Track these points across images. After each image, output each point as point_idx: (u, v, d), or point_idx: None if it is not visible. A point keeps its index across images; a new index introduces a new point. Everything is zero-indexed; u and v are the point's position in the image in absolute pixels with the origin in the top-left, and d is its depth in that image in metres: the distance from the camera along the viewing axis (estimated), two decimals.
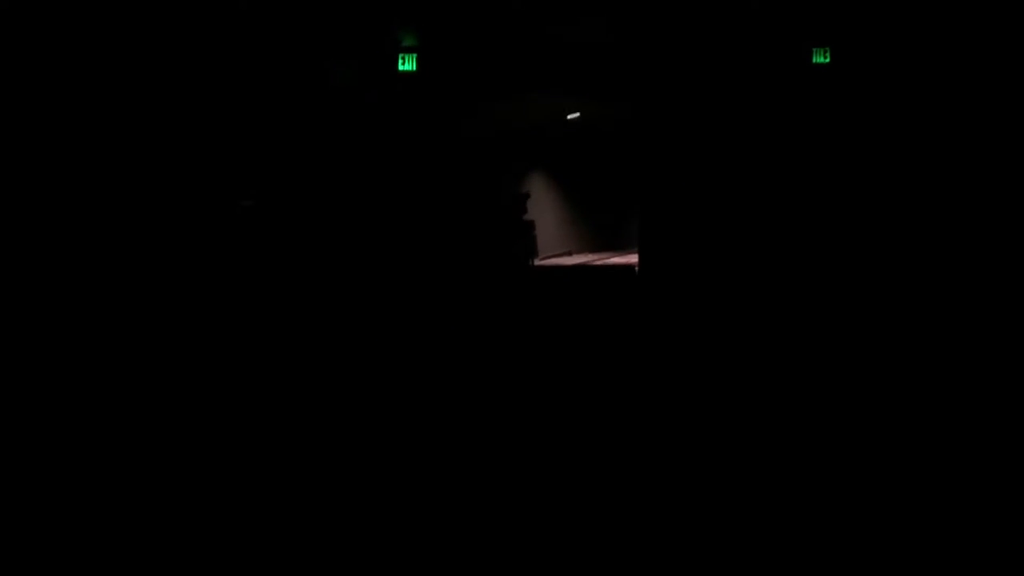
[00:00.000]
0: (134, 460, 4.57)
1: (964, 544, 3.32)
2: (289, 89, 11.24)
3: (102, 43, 9.95)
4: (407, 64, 11.32)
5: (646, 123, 12.15)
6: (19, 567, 3.19)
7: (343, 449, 4.82)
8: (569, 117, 17.77)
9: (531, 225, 17.55)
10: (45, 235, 9.20)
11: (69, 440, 4.99)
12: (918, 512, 3.66)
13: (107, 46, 9.98)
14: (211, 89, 10.78)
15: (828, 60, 10.97)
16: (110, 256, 9.52)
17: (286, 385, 6.49)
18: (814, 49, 10.94)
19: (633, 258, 17.25)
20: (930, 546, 3.31)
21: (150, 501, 3.93)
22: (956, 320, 8.65)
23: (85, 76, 9.84)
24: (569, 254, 20.56)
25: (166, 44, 10.44)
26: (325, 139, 11.41)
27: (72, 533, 3.54)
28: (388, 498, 3.97)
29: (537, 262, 17.50)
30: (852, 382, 6.32)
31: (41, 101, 9.52)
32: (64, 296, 8.86)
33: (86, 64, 9.83)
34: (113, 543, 3.44)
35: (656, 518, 3.70)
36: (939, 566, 3.14)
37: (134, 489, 4.10)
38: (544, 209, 19.21)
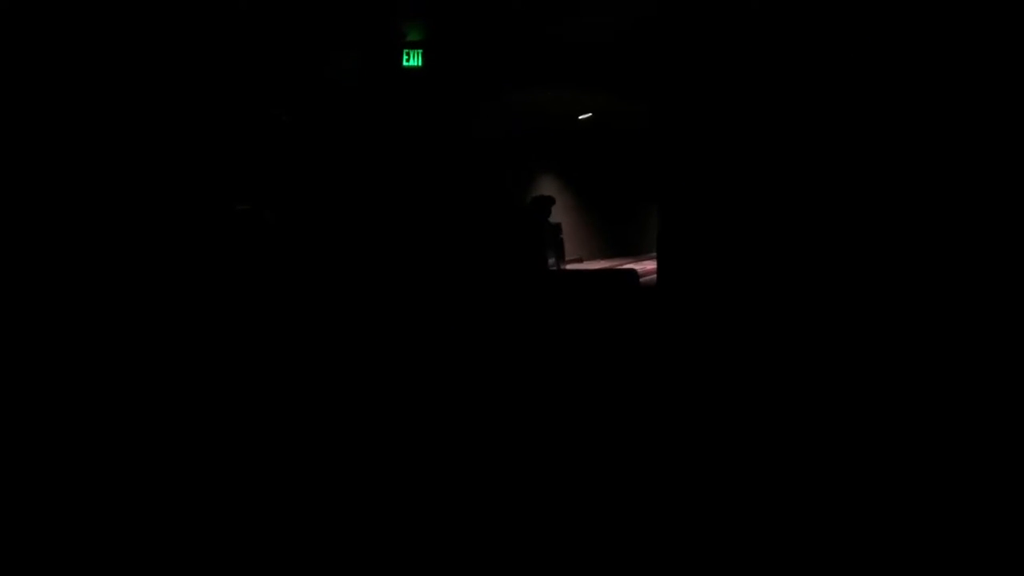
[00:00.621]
0: (129, 460, 4.45)
1: (965, 544, 3.33)
2: (291, 85, 10.84)
3: (94, 37, 9.61)
4: (412, 60, 10.85)
5: (665, 123, 11.71)
6: (19, 567, 3.18)
7: (351, 452, 4.61)
8: (581, 118, 17.32)
9: (559, 228, 16.99)
10: (38, 235, 8.94)
11: (62, 439, 4.86)
12: (925, 519, 3.63)
13: (100, 41, 9.65)
14: (207, 85, 10.37)
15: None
16: (104, 258, 9.25)
17: (298, 393, 6.23)
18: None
19: (650, 264, 16.73)
20: (934, 547, 3.32)
21: (143, 502, 3.83)
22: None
23: (77, 70, 9.49)
24: (580, 261, 19.97)
25: (161, 36, 10.08)
26: (332, 139, 10.99)
27: (70, 533, 3.49)
28: (397, 500, 3.85)
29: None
30: (901, 391, 5.80)
31: (34, 96, 9.17)
32: (58, 298, 8.63)
33: (78, 58, 9.48)
34: (112, 543, 3.39)
35: (685, 529, 3.48)
36: (940, 566, 3.16)
37: (127, 490, 3.99)
38: (555, 214, 18.69)
